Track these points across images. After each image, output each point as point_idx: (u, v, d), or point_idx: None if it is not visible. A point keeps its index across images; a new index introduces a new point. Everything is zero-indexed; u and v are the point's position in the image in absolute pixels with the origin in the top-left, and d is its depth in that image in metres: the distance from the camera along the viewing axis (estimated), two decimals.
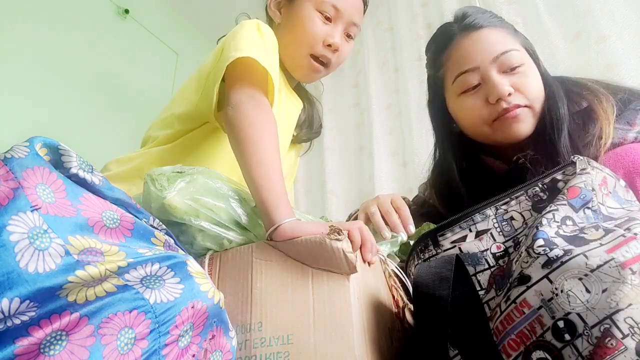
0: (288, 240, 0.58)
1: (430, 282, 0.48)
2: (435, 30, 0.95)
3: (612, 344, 0.35)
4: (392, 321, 0.63)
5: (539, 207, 0.52)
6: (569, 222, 0.47)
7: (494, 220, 0.54)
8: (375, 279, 0.63)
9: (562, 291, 0.40)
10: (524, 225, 0.52)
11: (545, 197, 0.52)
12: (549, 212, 0.47)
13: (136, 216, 0.47)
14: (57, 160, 0.43)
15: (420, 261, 0.57)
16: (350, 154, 2.05)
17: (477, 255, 0.52)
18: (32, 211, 0.37)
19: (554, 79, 0.86)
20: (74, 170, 0.43)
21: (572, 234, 0.45)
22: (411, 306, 0.68)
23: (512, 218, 0.53)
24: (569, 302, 0.39)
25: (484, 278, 0.51)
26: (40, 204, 0.38)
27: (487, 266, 0.51)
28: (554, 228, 0.46)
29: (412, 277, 0.61)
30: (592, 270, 0.39)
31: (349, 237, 0.56)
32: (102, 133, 1.89)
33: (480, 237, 0.53)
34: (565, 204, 0.48)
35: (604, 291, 0.37)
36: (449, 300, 0.45)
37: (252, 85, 0.76)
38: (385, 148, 1.90)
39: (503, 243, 0.52)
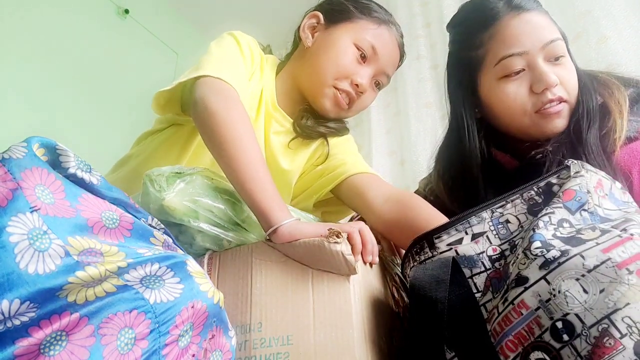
0: (287, 243, 0.58)
1: (427, 284, 0.47)
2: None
3: (610, 344, 0.35)
4: (393, 321, 0.63)
5: (534, 210, 0.52)
6: (565, 225, 0.47)
7: (490, 223, 0.54)
8: (376, 279, 0.63)
9: (559, 292, 0.40)
10: (520, 229, 0.52)
11: (540, 200, 0.52)
12: (545, 215, 0.47)
13: (135, 216, 0.47)
14: (55, 161, 0.43)
15: (415, 263, 0.57)
16: None
17: (473, 257, 0.52)
18: (31, 212, 0.37)
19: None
20: (72, 170, 0.43)
21: (568, 235, 0.45)
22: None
23: (507, 221, 0.53)
24: (567, 302, 0.39)
25: (480, 280, 0.51)
26: (39, 204, 0.38)
27: (483, 269, 0.51)
28: (551, 231, 0.46)
29: (408, 279, 0.61)
30: (589, 271, 0.39)
31: (348, 239, 0.56)
32: (102, 133, 1.90)
33: (476, 240, 0.53)
34: (561, 207, 0.48)
35: (601, 291, 0.38)
36: (446, 302, 0.45)
37: (214, 76, 0.73)
38: (383, 147, 1.90)
39: (499, 246, 0.52)
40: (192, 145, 0.85)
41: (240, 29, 0.98)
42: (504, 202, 0.54)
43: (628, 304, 0.36)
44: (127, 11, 2.17)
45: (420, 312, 0.47)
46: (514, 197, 0.54)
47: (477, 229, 0.54)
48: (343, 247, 0.54)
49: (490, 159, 0.87)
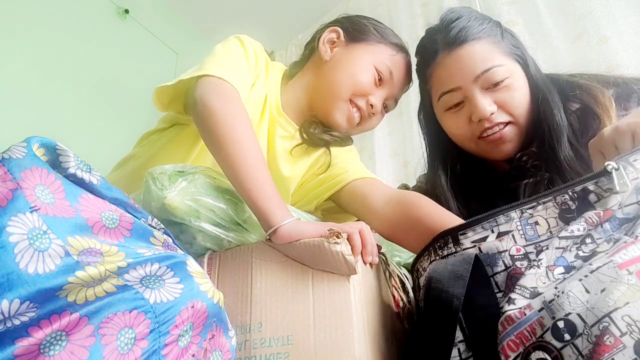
0: (287, 243, 0.58)
1: (446, 279, 0.47)
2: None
3: (610, 342, 0.35)
4: (393, 321, 0.63)
5: (566, 217, 0.50)
6: (588, 241, 0.45)
7: (518, 223, 0.52)
8: (376, 279, 0.63)
9: (562, 292, 0.40)
10: (549, 234, 0.50)
11: (574, 207, 0.50)
12: (578, 237, 0.46)
13: (135, 216, 0.47)
14: (55, 160, 0.42)
15: (438, 257, 0.56)
16: None
17: (495, 255, 0.51)
18: (31, 212, 0.37)
19: (547, 79, 0.85)
20: (72, 170, 0.43)
21: (589, 254, 0.44)
22: (411, 306, 0.68)
23: (536, 223, 0.51)
24: (570, 302, 0.39)
25: (501, 279, 0.50)
26: (39, 204, 0.38)
27: (503, 267, 0.50)
28: (574, 251, 0.45)
29: (420, 272, 0.60)
30: (592, 272, 0.39)
31: (348, 240, 0.56)
32: (101, 133, 1.90)
33: (501, 238, 0.52)
34: (597, 227, 0.46)
35: (602, 291, 0.38)
36: (463, 299, 0.45)
37: (216, 76, 0.73)
38: (386, 148, 1.91)
39: (524, 247, 0.50)
40: (196, 147, 0.85)
41: (240, 29, 0.99)
42: (535, 204, 0.52)
43: (627, 303, 0.36)
44: (127, 11, 2.17)
45: (435, 306, 0.46)
46: (546, 199, 0.52)
47: (503, 228, 0.52)
48: (343, 248, 0.54)
49: (483, 162, 0.90)
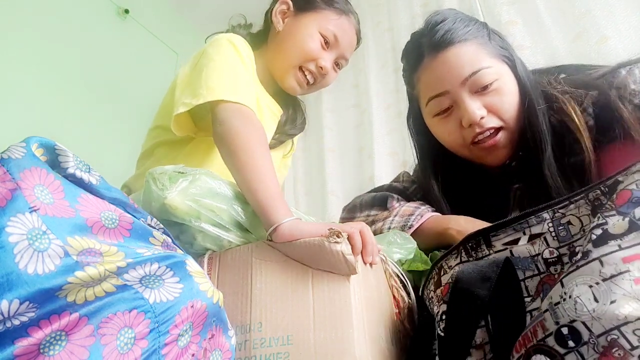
0: (288, 242, 0.58)
1: (473, 280, 0.46)
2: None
3: (619, 354, 0.34)
4: (393, 321, 0.63)
5: (597, 212, 0.47)
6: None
7: (550, 224, 0.50)
8: (376, 279, 0.63)
9: (570, 297, 0.38)
10: (582, 232, 0.49)
11: (605, 200, 0.48)
12: (597, 226, 0.43)
13: (134, 216, 0.47)
14: (54, 161, 0.42)
15: (471, 259, 0.55)
16: (351, 154, 2.05)
17: (527, 259, 0.50)
18: (30, 212, 0.37)
19: (534, 80, 0.83)
20: (71, 170, 0.43)
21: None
22: (411, 306, 0.68)
23: (569, 222, 0.49)
24: (576, 309, 0.37)
25: (532, 284, 0.48)
26: (38, 205, 0.38)
27: (536, 272, 0.49)
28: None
29: (445, 269, 0.58)
30: (605, 280, 0.37)
31: (349, 239, 0.56)
32: (101, 132, 1.89)
33: (533, 242, 0.51)
34: (614, 214, 0.43)
35: (612, 302, 0.36)
36: (487, 300, 0.44)
37: (232, 101, 0.80)
38: (385, 148, 1.91)
39: (557, 249, 0.49)
40: (211, 156, 0.92)
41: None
42: (567, 202, 0.50)
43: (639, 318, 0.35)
44: (127, 11, 2.17)
45: (459, 306, 0.46)
46: (578, 197, 0.50)
47: (535, 230, 0.51)
48: (343, 247, 0.54)
49: (475, 165, 0.89)
